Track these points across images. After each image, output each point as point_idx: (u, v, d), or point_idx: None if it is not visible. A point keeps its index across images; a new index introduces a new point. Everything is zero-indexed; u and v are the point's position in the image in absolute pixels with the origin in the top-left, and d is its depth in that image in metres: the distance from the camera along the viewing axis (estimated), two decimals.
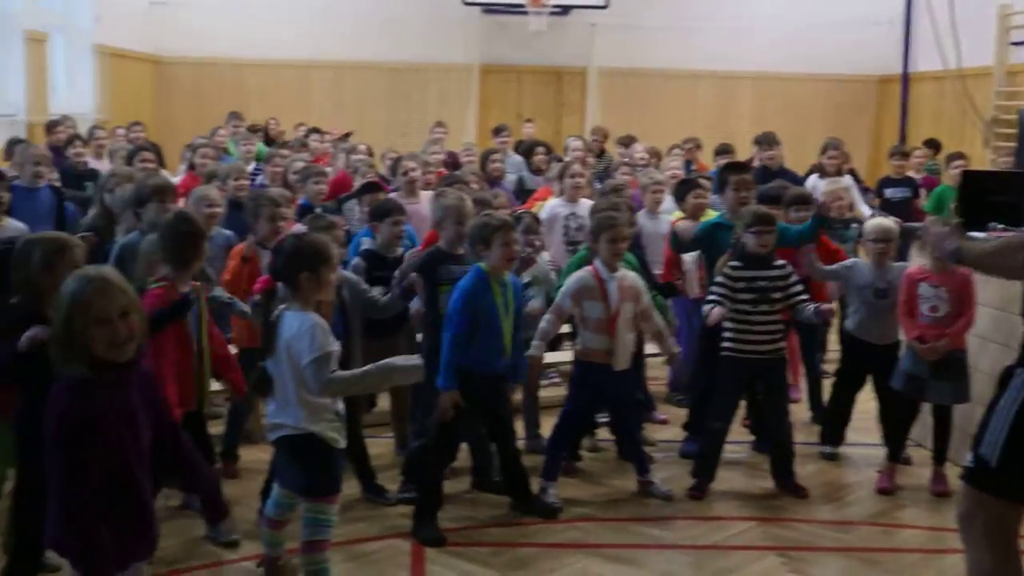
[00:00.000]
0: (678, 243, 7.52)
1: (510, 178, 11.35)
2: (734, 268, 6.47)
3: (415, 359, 4.68)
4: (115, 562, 3.52)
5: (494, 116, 17.39)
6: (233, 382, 5.74)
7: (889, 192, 11.24)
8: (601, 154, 13.17)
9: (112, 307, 3.49)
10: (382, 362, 4.61)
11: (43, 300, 4.33)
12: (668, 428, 7.74)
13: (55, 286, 4.23)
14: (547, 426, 6.83)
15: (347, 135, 13.85)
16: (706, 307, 6.41)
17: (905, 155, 11.97)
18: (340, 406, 4.78)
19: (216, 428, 6.94)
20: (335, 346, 4.66)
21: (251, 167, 10.69)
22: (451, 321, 5.81)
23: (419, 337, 6.77)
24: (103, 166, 10.09)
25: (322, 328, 4.63)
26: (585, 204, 8.55)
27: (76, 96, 15.04)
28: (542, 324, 6.34)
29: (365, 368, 4.65)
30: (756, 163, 10.33)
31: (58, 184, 8.89)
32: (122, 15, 16.27)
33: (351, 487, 6.08)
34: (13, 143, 9.92)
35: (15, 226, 6.84)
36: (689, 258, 7.77)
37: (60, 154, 10.32)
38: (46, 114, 13.00)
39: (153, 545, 3.78)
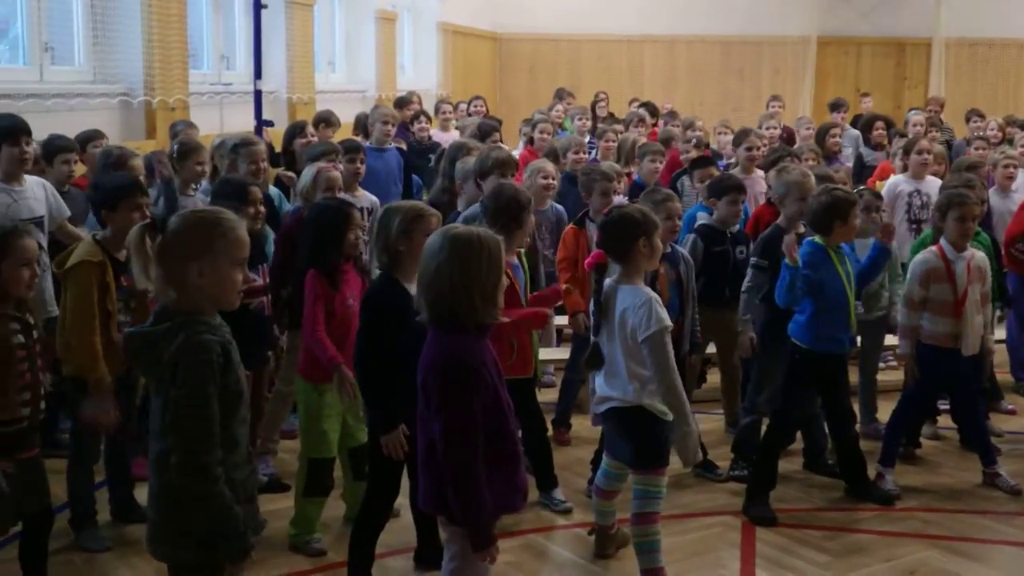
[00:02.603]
0: None
1: (846, 152, 11.03)
2: None
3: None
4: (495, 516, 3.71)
5: (830, 90, 16.96)
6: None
7: None
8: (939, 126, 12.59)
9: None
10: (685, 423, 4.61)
11: (401, 265, 4.53)
12: (1016, 419, 7.32)
13: (412, 252, 4.45)
14: (884, 411, 6.60)
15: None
16: None
17: None
18: None
19: (550, 396, 7.12)
20: (670, 321, 4.65)
21: (586, 140, 10.83)
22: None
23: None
24: (447, 139, 10.49)
25: (657, 302, 4.64)
26: (931, 181, 8.19)
27: (420, 73, 15.75)
28: (901, 319, 6.14)
29: (684, 403, 4.62)
30: None
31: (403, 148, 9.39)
32: None
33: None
34: (362, 118, 10.48)
35: (369, 198, 7.24)
36: None
37: (406, 129, 10.79)
38: (394, 90, 13.66)
39: (525, 497, 3.94)
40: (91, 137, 7.16)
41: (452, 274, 3.62)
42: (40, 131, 6.37)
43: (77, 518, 5.27)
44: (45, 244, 5.82)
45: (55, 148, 6.51)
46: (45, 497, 4.49)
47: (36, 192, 5.95)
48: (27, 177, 5.95)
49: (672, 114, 13.16)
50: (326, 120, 9.40)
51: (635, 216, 4.79)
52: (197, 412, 3.16)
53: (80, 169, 6.75)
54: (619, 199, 6.84)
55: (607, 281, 4.81)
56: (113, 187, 5.32)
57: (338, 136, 9.19)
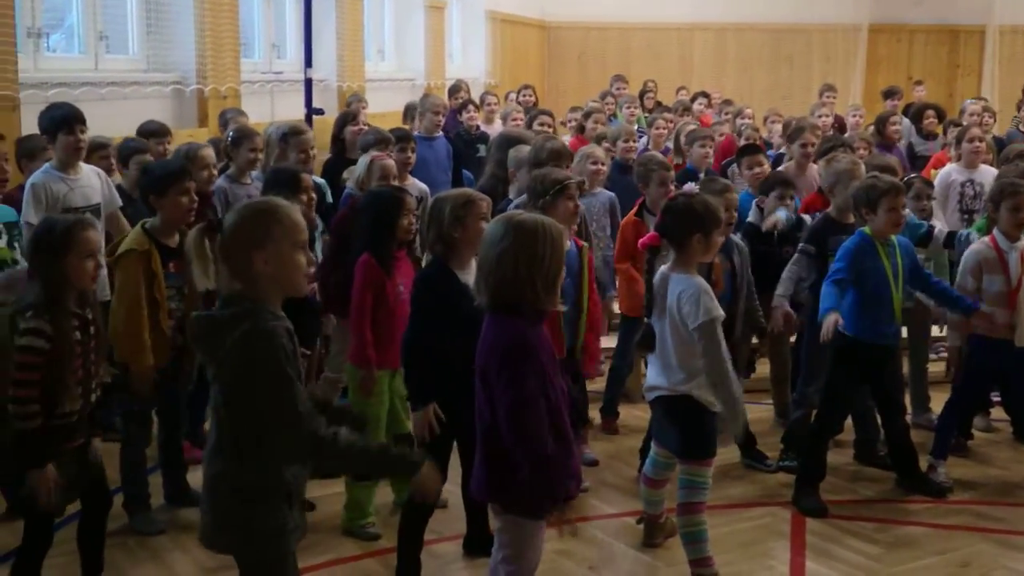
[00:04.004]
0: None
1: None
2: None
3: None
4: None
5: (882, 78, 16.77)
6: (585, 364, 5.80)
7: None
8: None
9: None
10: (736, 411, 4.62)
11: (455, 252, 4.57)
12: None
13: (467, 239, 4.48)
14: (937, 402, 6.54)
15: None
16: None
17: None
18: None
19: (597, 385, 7.11)
20: (721, 311, 4.64)
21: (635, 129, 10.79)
22: (832, 273, 5.64)
23: None
24: (493, 130, 10.49)
25: (708, 293, 4.63)
26: (985, 171, 8.10)
27: (469, 61, 15.75)
28: (950, 315, 6.09)
29: (732, 394, 4.60)
30: None
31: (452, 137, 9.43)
32: None
33: (731, 451, 6.08)
34: (411, 108, 10.49)
35: (419, 186, 7.26)
36: None
37: (454, 118, 10.80)
38: (443, 79, 13.68)
39: (579, 483, 3.95)
40: (154, 132, 7.23)
41: (517, 261, 3.60)
42: (95, 119, 6.43)
43: (130, 501, 5.34)
44: (102, 231, 5.91)
45: (130, 150, 6.67)
46: (100, 481, 4.55)
47: (91, 180, 6.03)
48: (82, 165, 6.03)
49: (727, 102, 13.07)
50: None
51: (697, 209, 4.75)
52: (284, 393, 3.20)
53: None
54: (689, 186, 6.77)
55: (661, 268, 4.80)
56: (162, 173, 5.41)
57: (379, 122, 9.26)
